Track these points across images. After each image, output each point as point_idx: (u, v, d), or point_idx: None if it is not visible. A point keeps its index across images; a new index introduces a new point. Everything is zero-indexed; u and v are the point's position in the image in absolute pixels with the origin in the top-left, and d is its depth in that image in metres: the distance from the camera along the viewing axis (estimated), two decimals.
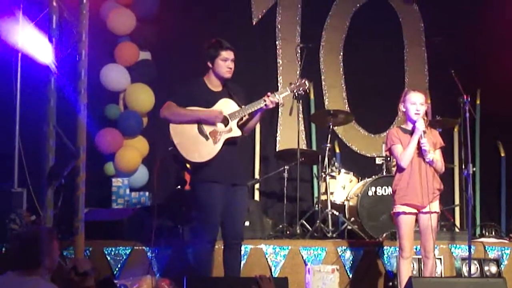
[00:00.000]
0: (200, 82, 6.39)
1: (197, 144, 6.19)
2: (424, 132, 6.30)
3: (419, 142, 6.30)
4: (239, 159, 6.41)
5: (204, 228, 6.25)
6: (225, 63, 6.30)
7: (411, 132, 6.39)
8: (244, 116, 6.33)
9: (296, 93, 6.70)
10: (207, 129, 6.21)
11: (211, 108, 6.25)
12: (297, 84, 6.51)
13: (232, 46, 6.35)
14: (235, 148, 6.30)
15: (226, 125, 6.24)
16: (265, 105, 6.25)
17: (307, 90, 6.61)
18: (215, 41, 6.37)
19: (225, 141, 6.22)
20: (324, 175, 8.76)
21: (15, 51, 7.08)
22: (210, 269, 6.38)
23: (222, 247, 6.45)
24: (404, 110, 6.46)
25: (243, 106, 6.29)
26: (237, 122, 6.30)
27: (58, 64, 6.39)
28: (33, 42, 6.46)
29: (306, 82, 6.52)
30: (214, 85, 6.38)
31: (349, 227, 8.42)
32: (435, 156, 6.37)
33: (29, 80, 7.34)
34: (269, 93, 6.30)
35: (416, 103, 6.37)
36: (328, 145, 8.83)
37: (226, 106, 6.29)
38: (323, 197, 8.81)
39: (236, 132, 6.27)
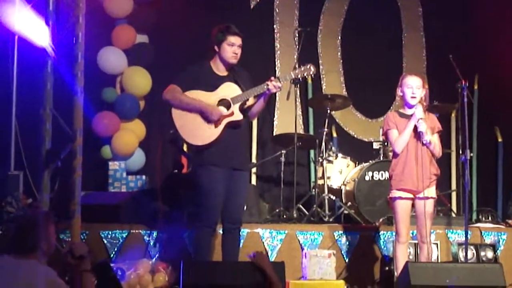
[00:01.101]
0: (206, 66, 6.39)
1: (199, 128, 6.18)
2: (422, 119, 6.27)
3: (415, 128, 6.29)
4: (240, 144, 6.41)
5: (204, 212, 6.26)
6: (231, 48, 6.30)
7: (408, 117, 6.38)
8: (247, 100, 6.32)
9: (301, 78, 6.67)
10: None
11: (214, 91, 6.25)
12: (302, 69, 6.49)
13: (240, 33, 6.35)
14: (236, 133, 6.29)
15: (228, 109, 6.22)
16: (268, 89, 6.24)
17: (312, 76, 6.57)
18: (223, 26, 6.37)
19: (226, 124, 6.21)
20: (321, 160, 8.76)
21: (12, 34, 7.05)
22: (209, 253, 6.38)
23: (221, 231, 6.46)
24: (401, 94, 6.44)
25: (245, 91, 6.28)
26: (241, 106, 6.28)
27: (55, 47, 6.38)
28: (30, 25, 6.44)
29: (312, 67, 6.49)
30: (220, 69, 6.38)
31: (345, 212, 8.42)
32: (433, 138, 6.35)
33: (25, 63, 7.31)
34: (272, 78, 6.28)
35: (412, 86, 6.35)
36: (326, 129, 8.80)
37: (229, 89, 6.29)
38: (320, 182, 8.81)
39: (238, 116, 6.25)
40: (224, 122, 6.21)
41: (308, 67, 6.48)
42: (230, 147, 6.23)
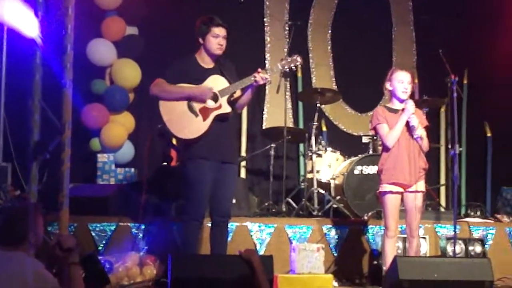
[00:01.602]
0: (191, 59, 6.35)
1: (187, 121, 6.16)
2: (414, 113, 6.29)
3: (407, 123, 6.29)
4: (229, 137, 6.39)
5: (192, 205, 6.24)
6: (216, 39, 6.26)
7: (397, 111, 6.38)
8: (234, 92, 6.30)
9: (288, 69, 6.64)
10: (197, 106, 6.17)
11: (200, 84, 6.22)
12: (289, 60, 6.46)
13: (225, 23, 6.31)
14: (225, 125, 6.27)
15: (216, 102, 6.20)
16: (255, 81, 6.20)
17: (299, 66, 6.54)
18: (207, 18, 6.32)
19: (214, 117, 6.19)
20: (310, 153, 8.75)
21: (1, 24, 7.01)
22: (197, 246, 6.37)
23: (209, 224, 6.44)
24: (390, 88, 6.44)
25: (233, 83, 6.26)
26: (228, 99, 6.26)
27: (44, 38, 6.34)
28: (19, 16, 6.40)
29: (298, 58, 6.46)
30: (205, 61, 6.35)
31: (334, 206, 8.42)
32: (423, 132, 6.37)
33: (14, 54, 7.28)
34: (259, 69, 6.25)
35: (403, 81, 6.36)
36: (315, 123, 8.81)
37: (216, 82, 6.25)
38: (309, 175, 8.81)
39: (226, 109, 6.23)
40: (212, 115, 6.19)
41: (295, 57, 6.45)
42: (218, 140, 6.21)
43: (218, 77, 6.28)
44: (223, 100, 6.21)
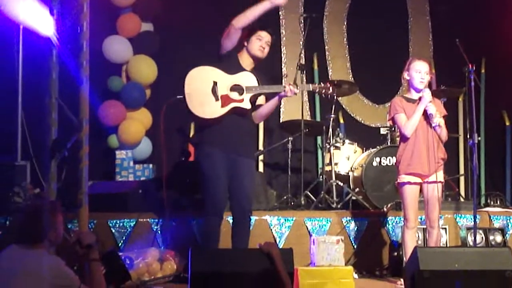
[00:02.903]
0: (233, 56, 6.38)
1: (205, 101, 6.16)
2: (431, 101, 6.28)
3: (424, 112, 6.28)
4: (244, 133, 6.36)
5: (210, 200, 6.24)
6: (259, 42, 6.36)
7: (415, 101, 6.37)
8: (260, 94, 6.32)
9: (318, 94, 6.69)
10: (221, 91, 6.19)
11: (233, 75, 6.24)
12: (322, 86, 6.49)
13: (273, 32, 6.51)
14: (242, 120, 6.27)
15: (239, 95, 6.22)
16: (284, 91, 6.26)
17: (329, 96, 6.57)
18: (253, 24, 6.39)
19: (232, 108, 6.20)
20: (328, 146, 8.74)
21: (17, 24, 7.04)
22: (216, 241, 6.35)
23: (231, 219, 6.45)
24: (408, 78, 6.43)
25: (262, 84, 6.30)
26: (252, 98, 6.26)
27: (59, 36, 6.36)
28: (35, 15, 6.42)
29: (331, 89, 6.46)
30: (245, 63, 6.39)
31: (353, 198, 8.41)
32: (441, 120, 6.35)
33: (31, 53, 7.31)
34: (291, 83, 6.38)
35: (421, 71, 6.35)
36: (332, 115, 8.79)
37: (247, 78, 6.28)
38: (327, 168, 8.80)
39: (246, 105, 6.23)
40: (231, 105, 6.19)
41: (328, 86, 6.48)
42: (233, 133, 6.22)
43: (251, 75, 6.30)
44: (246, 96, 6.22)
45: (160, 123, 6.85)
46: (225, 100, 6.20)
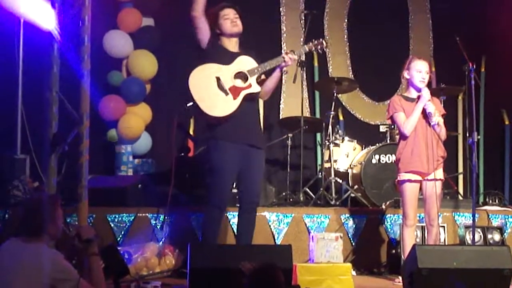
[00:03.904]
0: (217, 45, 6.36)
1: (218, 100, 6.16)
2: (430, 100, 6.29)
3: (423, 110, 6.29)
4: (255, 121, 6.40)
5: (215, 192, 6.25)
6: (227, 20, 6.32)
7: (414, 100, 6.39)
8: (263, 73, 6.31)
9: (315, 52, 6.69)
10: (227, 84, 6.18)
11: (228, 65, 6.22)
12: (315, 42, 6.51)
13: (229, 3, 6.38)
14: (251, 109, 6.30)
15: (245, 82, 6.21)
16: (284, 61, 6.25)
17: (325, 50, 6.61)
18: (213, 9, 6.35)
19: (244, 96, 6.20)
20: (327, 143, 8.75)
21: (17, 17, 7.03)
22: (215, 234, 6.35)
23: (232, 213, 6.47)
24: (408, 77, 6.44)
25: (261, 63, 6.27)
26: (256, 79, 6.27)
27: (60, 30, 6.34)
28: (35, 8, 6.40)
29: (324, 41, 6.53)
30: (230, 46, 6.37)
31: (352, 195, 8.42)
32: (440, 119, 6.36)
33: (31, 47, 7.30)
34: (288, 50, 6.31)
35: (422, 71, 6.36)
36: (332, 112, 8.79)
37: (245, 62, 6.28)
38: (326, 165, 8.80)
39: (256, 88, 6.25)
40: (242, 94, 6.19)
41: (321, 40, 6.52)
42: (246, 122, 6.22)
43: (247, 57, 6.30)
44: (252, 80, 6.22)
45: (172, 136, 6.86)
46: (234, 91, 6.19)
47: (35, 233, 4.30)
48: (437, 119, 6.31)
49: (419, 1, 10.82)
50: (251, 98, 6.25)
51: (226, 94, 6.16)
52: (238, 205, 6.45)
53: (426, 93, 6.31)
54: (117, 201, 7.49)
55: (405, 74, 6.46)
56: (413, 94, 6.45)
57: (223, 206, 6.30)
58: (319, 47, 6.53)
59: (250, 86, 6.22)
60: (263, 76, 6.37)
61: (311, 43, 6.55)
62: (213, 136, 6.25)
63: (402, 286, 5.71)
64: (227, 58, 6.26)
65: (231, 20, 6.30)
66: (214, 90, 6.16)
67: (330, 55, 10.47)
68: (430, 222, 6.40)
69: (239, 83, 6.20)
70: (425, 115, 6.32)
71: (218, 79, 6.18)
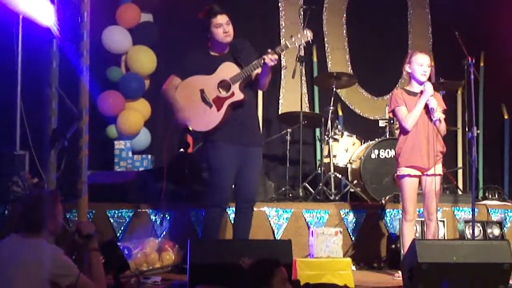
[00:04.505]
0: (203, 49, 6.34)
1: (201, 114, 6.16)
2: (432, 95, 6.29)
3: (425, 105, 6.29)
4: (248, 120, 6.34)
5: (215, 191, 6.25)
6: (220, 28, 6.21)
7: (416, 94, 6.38)
8: (249, 76, 6.23)
9: (299, 46, 6.56)
10: (210, 96, 6.17)
11: (213, 74, 6.19)
12: (299, 36, 6.25)
13: (222, 10, 6.25)
14: (242, 110, 6.25)
15: (228, 91, 6.18)
16: (264, 63, 6.09)
17: (311, 41, 6.35)
18: (205, 11, 6.27)
19: (228, 106, 6.17)
20: (327, 138, 8.74)
21: (16, 13, 7.01)
22: (216, 233, 6.35)
23: (233, 210, 6.46)
24: (409, 71, 6.43)
25: (244, 68, 6.19)
26: (243, 84, 6.21)
27: (60, 26, 6.34)
28: (34, 4, 6.40)
29: (308, 32, 6.25)
30: (217, 51, 6.32)
31: (351, 190, 8.42)
32: (442, 115, 6.36)
33: (30, 43, 7.28)
34: (269, 50, 6.12)
35: (423, 64, 6.36)
36: (331, 107, 8.78)
37: (228, 70, 6.21)
38: (326, 160, 8.80)
39: (239, 96, 6.19)
40: (226, 104, 6.16)
41: (304, 32, 6.25)
42: (241, 123, 6.21)
43: (230, 64, 6.23)
44: (235, 88, 6.17)
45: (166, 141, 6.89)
46: (218, 102, 6.17)
47: (35, 229, 4.29)
48: (439, 115, 6.30)
49: None
50: (237, 106, 6.21)
51: (210, 106, 6.15)
52: (234, 203, 6.43)
53: (429, 88, 6.30)
54: (116, 197, 7.49)
55: (407, 68, 6.45)
56: (415, 88, 6.44)
57: (224, 205, 6.30)
58: (302, 39, 6.22)
59: (233, 94, 6.17)
60: (258, 70, 6.28)
61: (294, 37, 6.24)
62: (210, 139, 6.26)
63: (402, 280, 5.70)
64: (212, 64, 6.22)
65: (223, 30, 6.20)
66: (198, 105, 6.17)
67: (329, 50, 10.47)
68: (428, 217, 6.40)
69: (222, 92, 6.17)
70: (427, 110, 6.32)
71: (202, 91, 6.18)
